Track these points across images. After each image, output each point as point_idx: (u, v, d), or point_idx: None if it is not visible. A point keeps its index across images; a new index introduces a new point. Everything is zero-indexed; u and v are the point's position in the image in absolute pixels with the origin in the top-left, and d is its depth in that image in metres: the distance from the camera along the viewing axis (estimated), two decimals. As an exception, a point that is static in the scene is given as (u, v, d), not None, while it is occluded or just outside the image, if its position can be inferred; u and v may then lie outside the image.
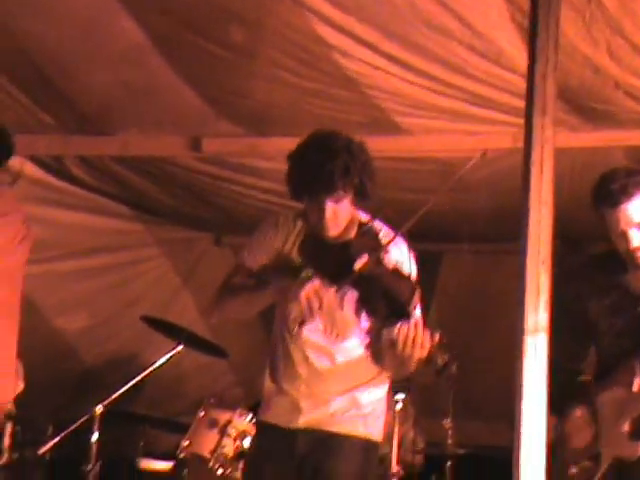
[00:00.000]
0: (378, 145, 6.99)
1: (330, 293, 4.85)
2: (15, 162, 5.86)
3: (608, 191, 4.87)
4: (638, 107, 6.62)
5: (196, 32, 6.59)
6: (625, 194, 4.83)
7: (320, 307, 4.81)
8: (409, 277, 4.77)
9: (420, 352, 4.51)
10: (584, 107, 6.50)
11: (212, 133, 7.61)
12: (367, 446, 5.08)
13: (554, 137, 3.78)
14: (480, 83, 6.57)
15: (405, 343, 4.49)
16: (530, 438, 3.71)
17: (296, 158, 4.99)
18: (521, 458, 3.69)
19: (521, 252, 3.77)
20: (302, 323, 4.99)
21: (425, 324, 4.55)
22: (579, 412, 5.01)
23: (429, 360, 4.58)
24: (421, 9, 5.94)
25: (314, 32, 6.27)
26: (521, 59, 6.06)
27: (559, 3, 3.86)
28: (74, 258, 8.82)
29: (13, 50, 7.01)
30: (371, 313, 4.86)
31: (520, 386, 3.73)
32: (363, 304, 4.85)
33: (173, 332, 7.64)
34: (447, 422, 8.20)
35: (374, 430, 5.11)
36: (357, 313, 4.96)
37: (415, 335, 4.48)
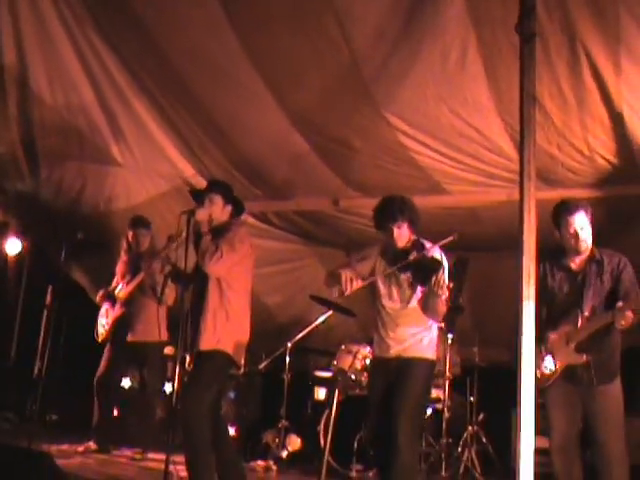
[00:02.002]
0: (434, 201, 7.01)
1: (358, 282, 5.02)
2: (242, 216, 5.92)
3: (566, 206, 4.87)
4: (575, 177, 6.55)
5: (333, 141, 6.64)
6: (576, 208, 4.83)
7: (351, 285, 4.95)
8: (438, 260, 4.84)
9: (441, 290, 4.68)
10: (546, 178, 6.46)
11: (344, 196, 7.62)
12: (427, 362, 5.10)
13: (535, 193, 3.78)
14: (488, 165, 6.55)
15: (437, 284, 4.68)
16: (526, 354, 3.68)
17: (377, 209, 5.19)
18: (522, 368, 3.67)
19: (519, 253, 3.76)
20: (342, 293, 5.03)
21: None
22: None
23: (450, 298, 4.69)
24: (456, 126, 6.03)
25: (398, 140, 6.32)
26: (511, 152, 6.14)
27: (535, 124, 3.86)
28: (271, 265, 8.86)
29: (238, 156, 7.14)
30: (419, 281, 4.93)
31: (520, 328, 3.71)
32: (414, 278, 4.97)
33: (327, 303, 7.61)
34: (475, 348, 8.16)
35: (430, 354, 5.11)
36: (414, 288, 5.04)
37: (441, 280, 4.67)
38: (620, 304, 4.69)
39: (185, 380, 5.39)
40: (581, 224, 4.85)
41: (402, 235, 5.08)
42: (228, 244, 5.14)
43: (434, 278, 4.70)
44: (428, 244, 5.03)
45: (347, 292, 4.96)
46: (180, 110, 6.64)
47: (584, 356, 4.81)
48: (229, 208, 5.43)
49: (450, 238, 4.89)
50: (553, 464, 4.90)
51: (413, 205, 5.16)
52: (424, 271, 4.83)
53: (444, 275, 4.76)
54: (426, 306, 4.99)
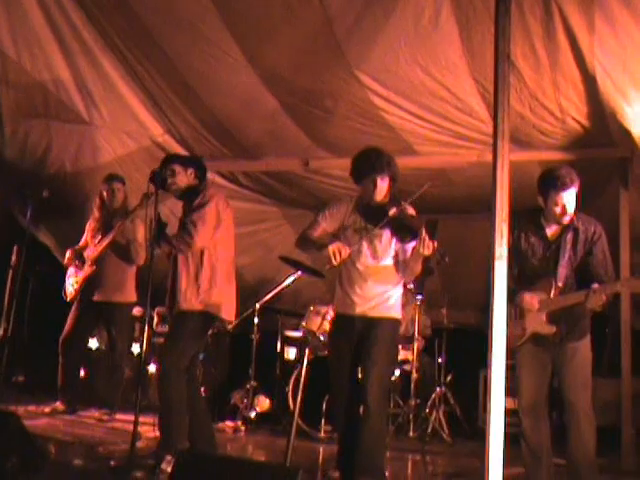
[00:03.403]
0: (404, 161, 6.89)
1: (347, 249, 4.88)
2: (210, 175, 5.88)
3: (558, 181, 4.79)
4: (546, 139, 6.61)
5: (305, 101, 6.61)
6: (569, 184, 4.77)
7: (341, 257, 4.82)
8: (418, 218, 4.79)
9: (428, 250, 4.57)
10: (517, 139, 6.46)
11: (314, 157, 7.59)
12: (393, 321, 5.02)
13: (509, 153, 3.76)
14: (459, 126, 6.58)
15: (423, 243, 4.55)
16: (498, 317, 3.67)
17: (360, 158, 5.04)
18: (494, 328, 3.65)
19: (492, 214, 3.73)
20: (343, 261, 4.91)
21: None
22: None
23: (432, 256, 4.65)
24: (428, 86, 6.02)
25: (369, 99, 6.31)
26: (482, 113, 6.17)
27: (509, 83, 3.83)
28: (242, 226, 8.61)
29: (207, 115, 7.06)
30: (399, 238, 4.88)
31: (492, 288, 3.69)
32: (394, 234, 4.89)
33: (295, 264, 7.58)
34: (444, 310, 8.18)
35: (396, 313, 5.02)
36: (389, 243, 4.97)
37: (427, 239, 4.55)
38: (596, 286, 4.66)
39: (165, 339, 5.44)
40: (570, 199, 4.81)
41: (382, 189, 4.96)
42: (208, 215, 5.24)
43: (421, 236, 4.59)
44: (401, 199, 4.94)
45: (336, 263, 4.86)
46: (149, 68, 6.54)
47: (554, 327, 4.83)
48: (192, 171, 5.43)
49: (424, 187, 4.81)
50: (521, 424, 4.94)
51: (397, 165, 5.07)
52: (406, 228, 4.75)
53: (423, 228, 4.67)
54: (405, 265, 4.94)
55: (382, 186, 4.96)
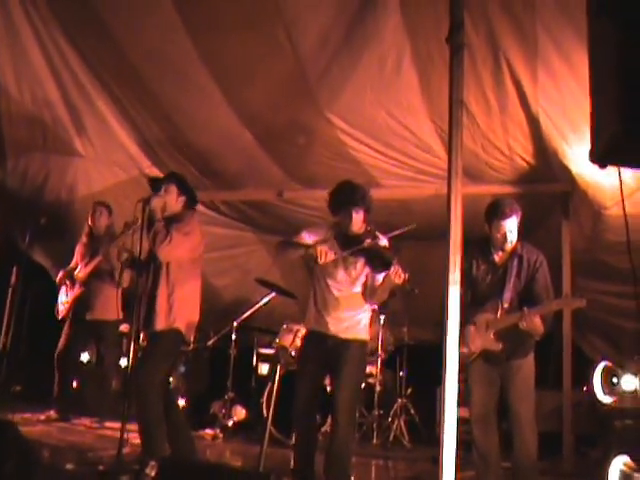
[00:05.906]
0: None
1: (332, 254, 4.83)
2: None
3: (499, 210, 4.91)
4: (496, 174, 6.71)
5: (279, 138, 6.66)
6: (509, 213, 4.89)
7: (326, 256, 4.77)
8: (390, 249, 4.80)
9: (400, 279, 4.61)
10: (471, 174, 6.56)
11: (288, 188, 7.64)
12: (362, 343, 5.01)
13: (462, 188, 3.82)
14: (419, 162, 6.65)
15: (395, 274, 4.59)
16: (451, 334, 3.72)
17: (337, 191, 4.98)
18: (448, 346, 3.71)
19: (446, 243, 3.77)
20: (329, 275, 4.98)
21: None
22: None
23: (403, 285, 4.74)
24: (391, 126, 6.09)
25: (338, 137, 6.38)
26: (440, 151, 6.24)
27: (462, 126, 3.89)
28: (219, 250, 8.77)
29: (190, 149, 7.10)
30: (372, 268, 4.88)
31: (446, 310, 3.73)
32: (368, 263, 4.89)
33: (269, 286, 7.62)
34: (405, 328, 8.24)
35: (365, 335, 5.03)
36: (362, 270, 4.95)
37: (399, 270, 4.59)
38: (525, 310, 4.79)
39: (140, 356, 5.34)
40: (511, 228, 4.90)
41: (358, 221, 4.92)
42: (178, 231, 5.10)
43: (393, 267, 4.62)
44: (375, 231, 4.95)
45: (321, 262, 4.81)
46: (138, 106, 6.58)
47: (500, 344, 4.92)
48: (183, 199, 5.37)
49: (409, 227, 4.82)
50: (473, 432, 5.00)
51: (371, 197, 5.02)
52: (380, 258, 4.76)
53: (395, 259, 4.70)
54: (373, 291, 4.94)
55: (357, 218, 4.91)
